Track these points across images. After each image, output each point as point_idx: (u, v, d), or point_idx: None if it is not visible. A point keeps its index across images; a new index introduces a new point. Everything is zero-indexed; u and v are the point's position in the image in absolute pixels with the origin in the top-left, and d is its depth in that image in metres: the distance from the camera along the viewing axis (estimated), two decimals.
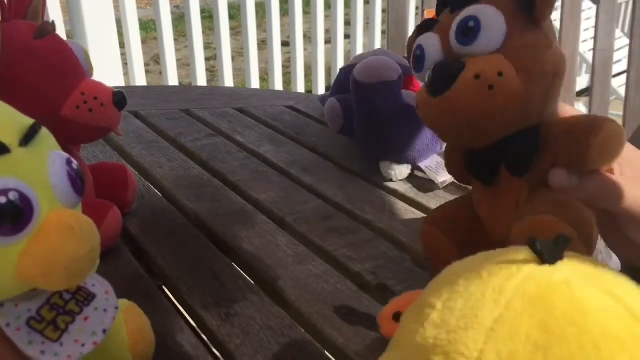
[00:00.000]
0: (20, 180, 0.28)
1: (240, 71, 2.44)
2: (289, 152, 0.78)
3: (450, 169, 0.51)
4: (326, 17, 2.20)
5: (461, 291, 0.22)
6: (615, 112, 1.45)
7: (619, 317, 0.20)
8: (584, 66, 2.74)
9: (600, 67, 1.26)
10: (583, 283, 0.21)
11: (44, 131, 0.32)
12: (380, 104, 0.65)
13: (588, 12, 2.20)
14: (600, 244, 0.44)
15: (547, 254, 0.22)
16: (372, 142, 0.69)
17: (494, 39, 0.40)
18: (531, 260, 0.22)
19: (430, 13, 1.04)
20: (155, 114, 0.91)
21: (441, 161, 0.69)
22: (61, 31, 1.59)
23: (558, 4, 1.38)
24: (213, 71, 2.95)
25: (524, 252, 0.23)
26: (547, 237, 0.23)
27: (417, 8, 2.24)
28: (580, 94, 2.46)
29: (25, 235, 0.29)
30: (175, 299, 0.51)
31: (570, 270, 0.22)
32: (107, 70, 1.64)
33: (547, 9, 0.40)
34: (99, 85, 0.53)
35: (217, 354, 0.45)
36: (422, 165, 0.69)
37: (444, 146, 0.69)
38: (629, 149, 0.42)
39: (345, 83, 0.75)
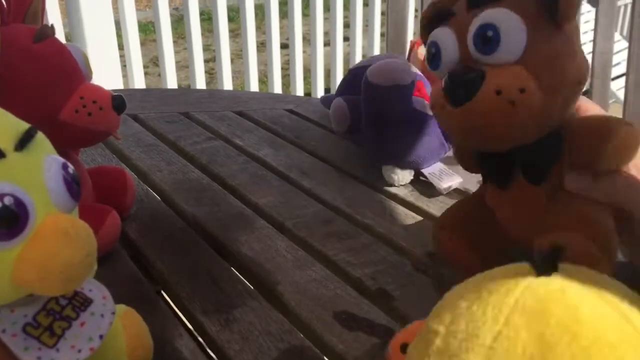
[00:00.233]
0: (16, 185, 0.28)
1: (240, 73, 2.44)
2: (289, 156, 0.78)
3: (459, 160, 0.49)
4: (325, 19, 2.20)
5: (463, 313, 0.22)
6: (614, 115, 1.44)
7: (613, 322, 0.20)
8: None
9: (600, 70, 1.27)
10: (578, 290, 0.21)
11: (40, 135, 0.32)
12: (391, 107, 0.65)
13: (587, 15, 2.20)
14: None
15: (543, 266, 0.22)
16: (377, 145, 0.69)
17: (514, 49, 0.38)
18: (529, 273, 0.23)
19: None
20: (155, 117, 0.90)
21: (444, 168, 0.69)
22: (60, 33, 1.59)
23: None
24: (212, 73, 2.95)
25: (521, 267, 0.23)
26: (572, 254, 0.23)
27: (416, 10, 2.24)
28: None
29: (20, 240, 0.28)
30: (174, 304, 0.51)
31: (566, 280, 0.22)
32: (106, 72, 1.64)
33: (571, 11, 0.37)
34: (98, 89, 0.53)
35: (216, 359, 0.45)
36: (425, 171, 0.69)
37: (448, 152, 0.70)
38: None
39: (353, 84, 0.75)
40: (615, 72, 1.89)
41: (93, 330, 0.34)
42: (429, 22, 0.43)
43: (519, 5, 0.38)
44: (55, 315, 0.33)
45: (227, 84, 2.03)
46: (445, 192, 0.67)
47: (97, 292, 0.36)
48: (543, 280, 0.22)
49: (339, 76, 2.31)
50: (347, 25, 2.29)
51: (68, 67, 0.52)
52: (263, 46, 2.15)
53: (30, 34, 0.50)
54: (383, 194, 0.68)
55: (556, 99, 0.39)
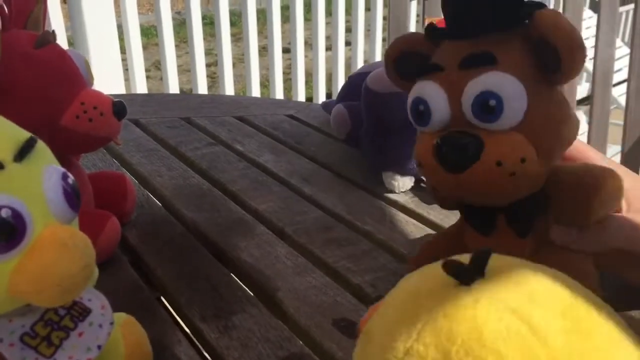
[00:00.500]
0: (14, 197, 0.28)
1: (241, 77, 2.44)
2: (289, 162, 0.78)
3: (436, 199, 0.48)
4: (327, 24, 2.21)
5: (387, 321, 0.24)
6: (616, 121, 1.45)
7: (516, 339, 0.21)
8: (584, 75, 2.75)
9: (601, 76, 1.26)
10: (491, 305, 0.22)
11: (40, 145, 0.32)
12: (391, 113, 0.65)
13: (588, 21, 2.20)
14: None
15: (462, 276, 0.23)
16: (377, 152, 0.69)
17: (516, 117, 0.36)
18: (449, 282, 0.24)
19: (431, 21, 1.04)
20: (155, 122, 0.91)
21: None
22: (62, 37, 1.59)
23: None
24: (214, 77, 2.96)
25: (443, 276, 0.24)
26: None
27: (417, 16, 2.25)
28: (580, 102, 2.46)
29: (18, 252, 0.28)
30: (174, 310, 0.51)
31: (483, 290, 0.23)
32: (108, 76, 1.64)
33: (575, 70, 0.35)
34: (99, 94, 0.53)
35: None
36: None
37: None
38: (636, 180, 0.42)
39: (353, 90, 0.75)
40: (616, 78, 1.89)
41: (91, 341, 0.34)
42: (396, 62, 0.41)
43: (517, 67, 0.36)
44: (54, 325, 0.33)
45: (229, 88, 2.03)
46: None
47: (96, 301, 0.36)
48: (459, 293, 0.23)
49: (341, 81, 2.32)
50: (348, 30, 2.30)
51: (69, 72, 0.52)
52: (265, 50, 2.15)
53: (32, 39, 0.50)
54: (383, 200, 0.68)
55: (552, 161, 0.38)
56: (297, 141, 0.84)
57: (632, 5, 2.87)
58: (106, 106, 0.53)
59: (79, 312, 0.35)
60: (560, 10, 1.31)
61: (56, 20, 1.55)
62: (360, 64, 2.33)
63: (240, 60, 2.52)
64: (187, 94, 2.09)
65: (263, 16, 2.14)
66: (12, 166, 0.29)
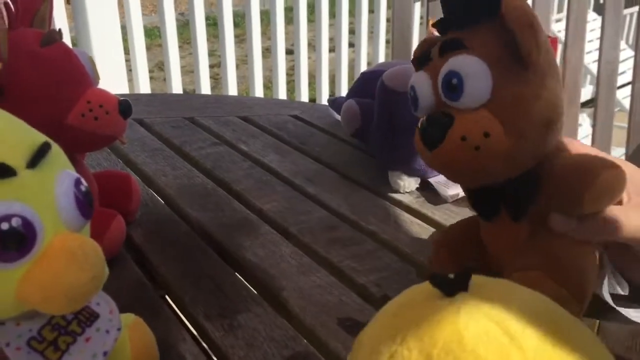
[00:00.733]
0: (25, 205, 0.28)
1: (244, 79, 2.44)
2: (294, 162, 0.78)
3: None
4: (330, 25, 2.21)
5: (376, 328, 0.26)
6: (620, 123, 1.44)
7: (496, 345, 0.22)
8: (588, 77, 2.75)
9: (605, 79, 1.26)
10: (471, 312, 0.23)
11: (55, 149, 0.31)
12: (404, 112, 0.65)
13: (592, 24, 2.20)
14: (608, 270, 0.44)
15: (446, 287, 0.25)
16: (386, 149, 0.69)
17: (479, 94, 0.39)
18: (434, 294, 0.25)
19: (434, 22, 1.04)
20: (160, 122, 0.91)
21: None
22: (66, 38, 1.59)
23: (562, 15, 1.38)
24: (217, 78, 2.96)
25: (429, 288, 0.25)
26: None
27: (421, 17, 2.24)
28: (584, 104, 2.46)
29: (27, 260, 0.28)
30: (178, 309, 0.51)
31: (465, 301, 0.24)
32: (111, 76, 1.64)
33: (534, 53, 0.38)
34: (105, 93, 0.53)
35: None
36: (431, 180, 0.69)
37: None
38: (638, 171, 0.42)
39: (366, 87, 0.75)
40: (620, 80, 1.89)
41: (98, 347, 0.34)
42: (416, 62, 0.44)
43: (485, 50, 0.39)
44: (61, 329, 0.33)
45: (232, 89, 2.03)
46: (451, 200, 0.67)
47: (105, 306, 0.36)
48: (443, 303, 0.24)
49: (344, 82, 2.32)
50: (352, 32, 2.30)
51: (75, 71, 0.52)
52: (268, 52, 2.16)
53: (38, 38, 0.50)
54: (388, 200, 0.68)
55: (523, 141, 0.39)
56: (302, 141, 0.84)
57: (636, 8, 2.87)
58: (112, 105, 0.53)
59: (86, 317, 0.35)
60: (564, 13, 1.31)
61: (60, 21, 1.55)
62: (363, 65, 2.33)
63: (244, 61, 2.52)
64: (191, 94, 2.10)
65: (266, 17, 2.14)
66: (24, 173, 0.29)
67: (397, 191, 0.69)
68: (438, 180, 0.69)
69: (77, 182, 0.31)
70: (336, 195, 0.69)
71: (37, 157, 0.30)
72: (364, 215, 0.64)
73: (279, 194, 0.69)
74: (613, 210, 0.39)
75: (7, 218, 0.27)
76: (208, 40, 1.97)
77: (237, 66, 2.09)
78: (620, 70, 1.36)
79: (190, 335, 0.47)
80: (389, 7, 2.28)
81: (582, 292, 0.40)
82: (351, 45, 2.32)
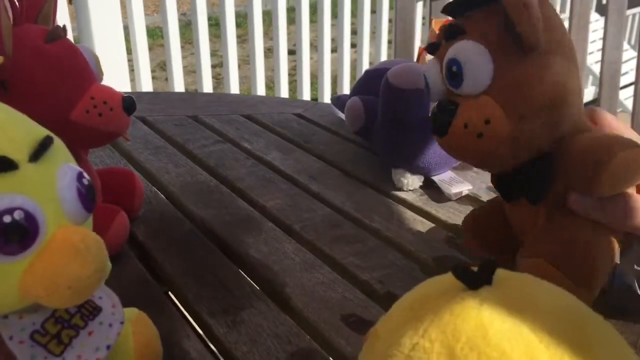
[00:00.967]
0: (28, 198, 0.28)
1: (246, 79, 2.45)
2: (297, 160, 0.78)
3: None
4: (332, 25, 2.21)
5: (396, 320, 0.25)
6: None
7: (520, 340, 0.22)
8: (590, 78, 2.74)
9: (608, 79, 1.26)
10: (493, 307, 0.23)
11: (57, 143, 0.32)
12: (408, 110, 0.65)
13: (595, 24, 2.20)
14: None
15: (469, 280, 0.24)
16: (390, 147, 0.69)
17: (480, 80, 0.39)
18: (458, 287, 0.24)
19: (437, 23, 1.04)
20: (163, 120, 0.91)
21: (455, 176, 0.69)
22: (69, 37, 1.59)
23: (565, 16, 1.38)
24: (219, 78, 2.96)
25: (450, 280, 0.25)
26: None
27: (423, 18, 2.24)
28: (586, 105, 2.46)
29: (29, 253, 0.28)
30: (182, 306, 0.51)
31: (490, 295, 0.23)
32: (114, 76, 1.64)
33: (531, 32, 0.37)
34: (109, 89, 0.53)
35: None
36: (435, 178, 0.69)
37: (458, 163, 0.70)
38: None
39: (370, 84, 0.75)
40: (623, 81, 1.89)
41: (100, 340, 0.34)
42: (430, 49, 0.44)
43: (486, 35, 0.39)
44: (64, 323, 0.33)
45: (234, 89, 2.04)
46: (455, 198, 0.67)
47: (107, 299, 0.36)
48: (466, 295, 0.24)
49: (346, 82, 2.32)
50: (354, 32, 2.30)
51: (79, 67, 0.52)
52: (270, 52, 2.16)
53: (42, 34, 0.50)
54: (391, 198, 0.68)
55: (526, 125, 0.39)
56: (305, 139, 0.84)
57: (639, 9, 2.86)
58: (116, 101, 0.53)
59: (89, 310, 0.35)
60: (567, 13, 1.31)
61: (63, 20, 1.55)
62: (365, 66, 2.33)
63: (246, 61, 2.52)
64: (194, 92, 2.10)
65: (269, 18, 2.14)
66: (27, 166, 0.29)
67: (400, 189, 0.69)
68: (442, 178, 0.69)
69: (80, 176, 0.31)
70: (340, 192, 0.69)
71: (40, 151, 0.30)
72: (368, 213, 0.64)
73: (282, 191, 0.69)
74: (636, 198, 0.38)
75: (10, 211, 0.27)
76: (210, 40, 1.97)
77: (239, 66, 2.09)
78: (622, 70, 1.35)
79: (194, 331, 0.47)
80: (391, 7, 2.28)
81: (592, 280, 0.39)
82: (353, 45, 2.32)
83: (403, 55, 1.36)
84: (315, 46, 2.23)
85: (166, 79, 2.10)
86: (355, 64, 2.39)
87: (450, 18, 0.43)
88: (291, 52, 2.22)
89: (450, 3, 0.41)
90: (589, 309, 0.25)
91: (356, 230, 0.61)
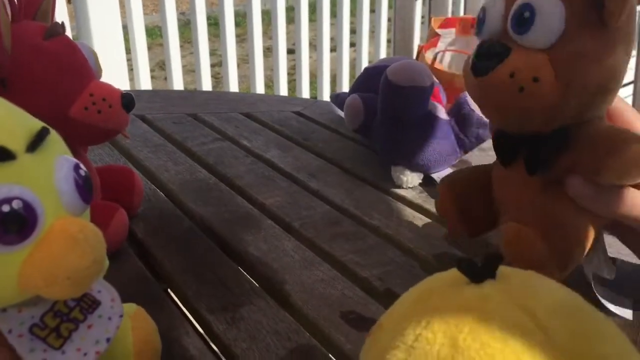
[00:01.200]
0: (25, 188, 0.28)
1: (245, 78, 2.45)
2: (296, 158, 0.78)
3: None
4: (332, 25, 2.21)
5: (399, 313, 0.26)
6: None
7: (523, 331, 0.22)
8: None
9: None
10: (497, 299, 0.23)
11: (53, 135, 0.32)
12: (408, 107, 0.65)
13: None
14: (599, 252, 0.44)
15: (473, 274, 0.24)
16: (389, 144, 0.69)
17: (546, 36, 0.37)
18: (461, 280, 0.25)
19: (437, 21, 1.04)
20: (162, 118, 0.91)
21: None
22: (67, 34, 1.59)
23: None
24: (218, 78, 2.96)
25: (454, 274, 0.25)
26: (517, 245, 0.24)
27: (422, 17, 2.25)
28: None
29: (28, 244, 0.28)
30: (181, 303, 0.51)
31: (494, 288, 0.24)
32: (113, 75, 1.64)
33: (617, 10, 0.36)
34: (108, 86, 0.53)
35: (223, 358, 0.45)
36: (434, 175, 0.69)
37: (458, 161, 0.70)
38: None
39: (369, 82, 0.75)
40: None
41: (100, 333, 0.34)
42: None
43: None
44: (63, 316, 0.33)
45: (233, 89, 2.03)
46: None
47: (106, 293, 0.36)
48: (469, 288, 0.24)
49: (345, 81, 2.32)
50: (353, 31, 2.30)
51: (78, 64, 0.52)
52: (269, 51, 2.16)
53: (41, 31, 0.50)
54: (391, 195, 0.68)
55: (569, 100, 0.38)
56: (304, 137, 0.84)
57: (637, 7, 2.87)
58: (115, 98, 0.53)
59: (88, 304, 0.35)
60: None
61: (62, 19, 1.55)
62: (364, 64, 2.33)
63: (245, 60, 2.52)
64: (193, 91, 2.11)
65: (268, 17, 2.14)
66: (24, 157, 0.29)
67: (400, 186, 0.69)
68: (441, 175, 0.69)
69: (77, 167, 0.31)
70: (339, 190, 0.69)
71: (37, 142, 0.30)
72: (367, 210, 0.64)
73: (281, 189, 0.69)
74: (635, 191, 0.38)
75: (8, 200, 0.27)
76: (209, 39, 1.97)
77: (238, 65, 2.09)
78: None
79: (193, 328, 0.47)
80: (390, 6, 2.28)
81: (567, 262, 0.39)
82: (352, 44, 2.32)
83: (402, 54, 1.36)
84: (315, 45, 2.23)
85: (165, 79, 2.10)
86: (354, 63, 2.39)
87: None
88: (290, 52, 2.21)
89: None
90: (591, 305, 0.25)
91: (355, 227, 0.61)
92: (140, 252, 0.57)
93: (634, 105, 1.22)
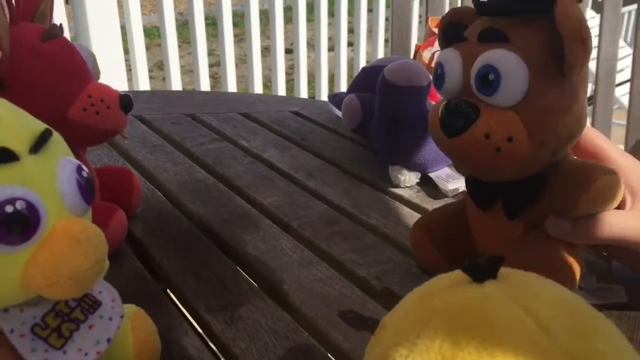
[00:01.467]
0: (29, 189, 0.28)
1: (244, 78, 2.45)
2: (294, 157, 0.78)
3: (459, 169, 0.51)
4: (329, 24, 2.21)
5: (403, 312, 0.26)
6: (619, 121, 1.45)
7: (524, 330, 0.22)
8: None
9: (604, 76, 1.27)
10: (499, 299, 0.23)
11: (56, 137, 0.32)
12: (405, 107, 0.66)
13: (591, 22, 2.20)
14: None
15: (475, 273, 0.25)
16: (387, 144, 0.69)
17: (513, 95, 0.37)
18: (463, 280, 0.25)
19: (434, 20, 1.05)
20: (160, 118, 0.91)
21: (451, 172, 0.69)
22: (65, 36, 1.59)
23: None
24: (216, 78, 2.96)
25: (462, 274, 0.26)
26: None
27: (420, 16, 2.25)
28: None
29: (31, 244, 0.28)
30: (180, 303, 0.51)
31: (495, 287, 0.24)
32: (111, 76, 1.64)
33: (578, 62, 0.36)
34: (106, 87, 0.53)
35: (222, 358, 0.45)
36: (432, 175, 0.69)
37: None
38: None
39: (366, 82, 0.75)
40: (619, 78, 1.89)
41: (101, 334, 0.34)
42: (445, 30, 0.43)
43: (528, 49, 0.37)
44: (64, 317, 0.33)
45: (232, 88, 2.04)
46: (452, 195, 0.67)
47: (107, 294, 0.36)
48: (473, 287, 0.25)
49: (343, 81, 2.32)
50: (351, 31, 2.30)
51: (76, 65, 0.52)
52: (267, 51, 2.16)
53: (39, 32, 0.50)
54: (388, 195, 0.68)
55: (543, 150, 0.39)
56: (302, 137, 0.84)
57: (634, 6, 2.87)
58: (113, 99, 0.53)
59: (89, 304, 0.35)
60: None
61: (60, 20, 1.55)
62: (362, 64, 2.33)
63: (243, 60, 2.52)
64: (191, 91, 2.11)
65: (266, 17, 2.14)
66: (27, 158, 0.29)
67: (397, 186, 0.69)
68: (438, 174, 0.69)
69: (79, 168, 0.31)
70: (337, 189, 0.69)
71: (39, 143, 0.30)
72: (365, 210, 0.65)
73: (279, 189, 0.70)
74: (606, 214, 0.40)
75: (12, 201, 0.27)
76: (207, 39, 1.97)
77: (237, 65, 2.09)
78: (618, 67, 1.36)
79: (192, 328, 0.47)
80: (387, 6, 2.29)
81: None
82: (350, 44, 2.32)
83: (400, 54, 1.37)
84: (313, 45, 2.23)
85: (163, 79, 2.10)
86: (352, 62, 2.39)
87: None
88: (288, 51, 2.21)
89: (498, 1, 0.39)
90: (590, 306, 0.25)
91: (353, 227, 0.62)
92: (139, 252, 0.58)
93: (630, 105, 1.22)
